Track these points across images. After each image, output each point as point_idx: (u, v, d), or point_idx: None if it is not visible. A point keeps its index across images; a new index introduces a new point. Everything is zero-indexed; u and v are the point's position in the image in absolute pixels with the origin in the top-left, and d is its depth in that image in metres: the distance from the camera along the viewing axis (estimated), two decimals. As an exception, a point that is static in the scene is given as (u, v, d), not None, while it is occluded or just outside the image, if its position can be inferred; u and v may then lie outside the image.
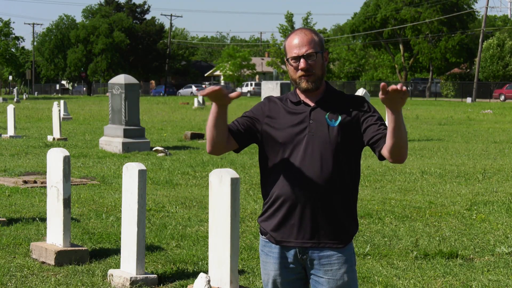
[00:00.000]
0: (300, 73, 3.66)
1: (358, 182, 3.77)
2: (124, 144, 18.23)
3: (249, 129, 3.73)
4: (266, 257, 3.78)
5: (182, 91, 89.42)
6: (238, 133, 3.71)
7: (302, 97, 3.72)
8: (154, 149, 18.13)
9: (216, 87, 3.45)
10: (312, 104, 3.69)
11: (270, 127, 3.71)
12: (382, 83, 3.29)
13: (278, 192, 3.67)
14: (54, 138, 21.60)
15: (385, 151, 3.55)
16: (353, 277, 3.72)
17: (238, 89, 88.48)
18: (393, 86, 3.30)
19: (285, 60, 3.75)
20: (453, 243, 8.29)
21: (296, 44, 3.66)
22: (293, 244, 3.69)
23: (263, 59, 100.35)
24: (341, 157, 3.64)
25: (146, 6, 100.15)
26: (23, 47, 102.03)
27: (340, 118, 3.65)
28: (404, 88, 3.31)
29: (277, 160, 3.69)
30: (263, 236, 3.80)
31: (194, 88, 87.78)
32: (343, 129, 3.64)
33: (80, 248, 7.47)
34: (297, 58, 3.65)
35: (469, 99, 62.12)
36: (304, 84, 3.66)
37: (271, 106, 3.75)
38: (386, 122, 3.69)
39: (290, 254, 3.71)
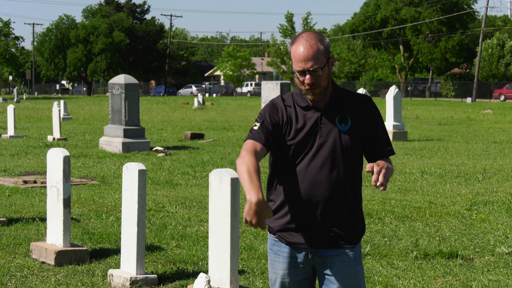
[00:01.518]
0: (306, 86, 3.65)
1: (362, 180, 3.83)
2: (124, 144, 18.23)
3: (276, 134, 3.69)
4: (275, 256, 3.80)
5: (182, 91, 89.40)
6: (268, 143, 3.68)
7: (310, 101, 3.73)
8: (154, 149, 18.13)
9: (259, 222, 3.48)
10: (321, 107, 3.70)
11: (283, 130, 3.70)
12: (367, 170, 3.51)
13: (290, 195, 3.69)
14: (54, 138, 21.60)
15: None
16: (362, 275, 3.79)
17: (238, 89, 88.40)
18: (373, 182, 3.48)
19: (291, 71, 3.73)
20: (453, 243, 8.29)
21: (301, 57, 3.60)
22: (303, 246, 3.71)
23: (263, 59, 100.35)
24: (351, 160, 3.68)
25: (146, 6, 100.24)
26: (23, 47, 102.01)
27: (350, 121, 3.68)
28: (382, 188, 3.47)
29: (288, 163, 3.70)
30: (273, 236, 3.81)
31: (194, 88, 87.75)
32: (352, 132, 3.67)
33: (80, 248, 7.47)
34: (302, 73, 3.63)
35: (469, 99, 62.11)
36: (310, 97, 3.68)
37: (283, 110, 3.71)
38: None
39: (301, 255, 3.74)
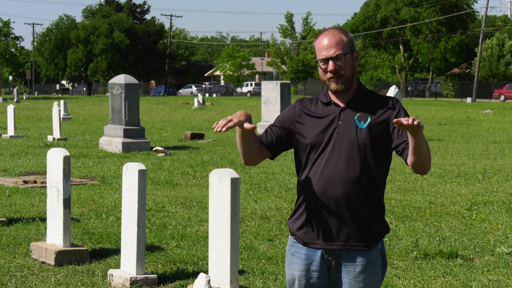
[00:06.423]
0: (329, 75, 3.64)
1: (385, 182, 3.76)
2: (124, 144, 18.23)
3: (280, 138, 3.74)
4: (292, 257, 3.78)
5: (182, 91, 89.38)
6: (270, 144, 3.74)
7: (333, 97, 3.71)
8: (154, 149, 18.13)
9: (231, 124, 3.46)
10: (342, 104, 3.68)
11: (301, 129, 3.71)
12: (395, 120, 3.33)
13: (306, 193, 3.68)
14: (54, 138, 21.60)
15: (408, 163, 3.57)
16: (376, 280, 3.71)
17: (238, 89, 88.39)
18: (404, 122, 3.32)
19: (315, 62, 3.74)
20: (453, 243, 8.29)
21: (324, 46, 3.64)
22: (319, 245, 3.69)
23: (263, 59, 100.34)
24: (368, 158, 3.63)
25: (146, 6, 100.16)
26: (22, 47, 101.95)
27: (369, 120, 3.63)
28: (416, 122, 3.32)
29: (307, 161, 3.70)
30: (292, 237, 3.80)
31: (194, 88, 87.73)
32: (371, 131, 3.62)
33: (80, 248, 7.47)
34: (325, 60, 3.64)
35: (469, 99, 62.10)
36: (333, 86, 3.66)
37: (301, 108, 3.75)
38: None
39: (317, 256, 3.71)
